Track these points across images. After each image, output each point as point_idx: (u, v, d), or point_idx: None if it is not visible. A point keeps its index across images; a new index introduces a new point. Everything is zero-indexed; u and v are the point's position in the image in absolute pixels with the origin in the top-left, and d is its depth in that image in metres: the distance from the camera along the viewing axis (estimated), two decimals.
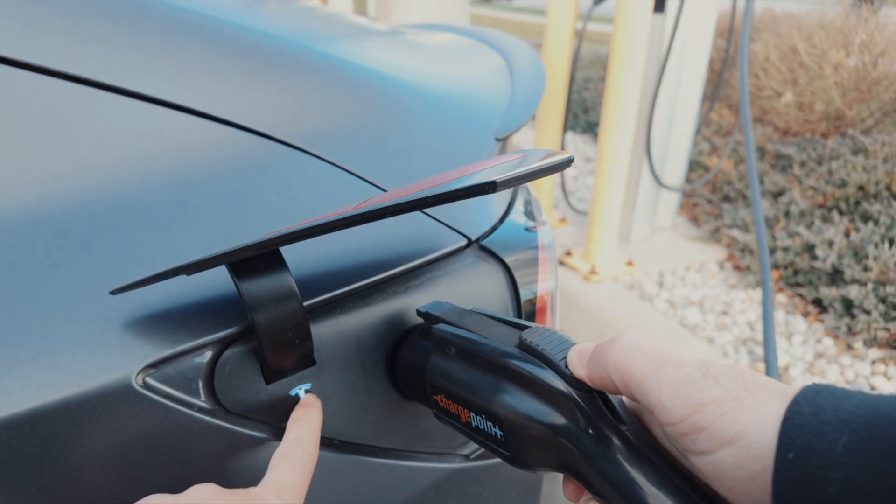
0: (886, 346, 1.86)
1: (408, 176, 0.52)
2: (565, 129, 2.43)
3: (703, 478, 0.27)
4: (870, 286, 1.88)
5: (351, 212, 0.32)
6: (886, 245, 1.94)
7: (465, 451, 0.53)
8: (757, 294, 2.20)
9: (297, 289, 0.38)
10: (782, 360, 1.87)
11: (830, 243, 2.10)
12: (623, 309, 2.09)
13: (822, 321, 2.04)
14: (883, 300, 1.86)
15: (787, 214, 2.39)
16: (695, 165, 2.95)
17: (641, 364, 0.28)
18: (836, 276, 2.05)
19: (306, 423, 0.39)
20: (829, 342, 1.94)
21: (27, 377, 0.34)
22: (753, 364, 1.86)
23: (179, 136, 0.44)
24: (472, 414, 0.38)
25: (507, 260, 0.52)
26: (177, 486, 0.39)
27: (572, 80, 2.35)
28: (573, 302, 2.15)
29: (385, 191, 0.50)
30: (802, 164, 2.56)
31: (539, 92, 0.72)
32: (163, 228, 0.41)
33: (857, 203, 2.26)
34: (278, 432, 0.42)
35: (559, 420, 0.32)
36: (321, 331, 0.43)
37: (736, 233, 2.36)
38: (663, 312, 2.12)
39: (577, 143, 4.04)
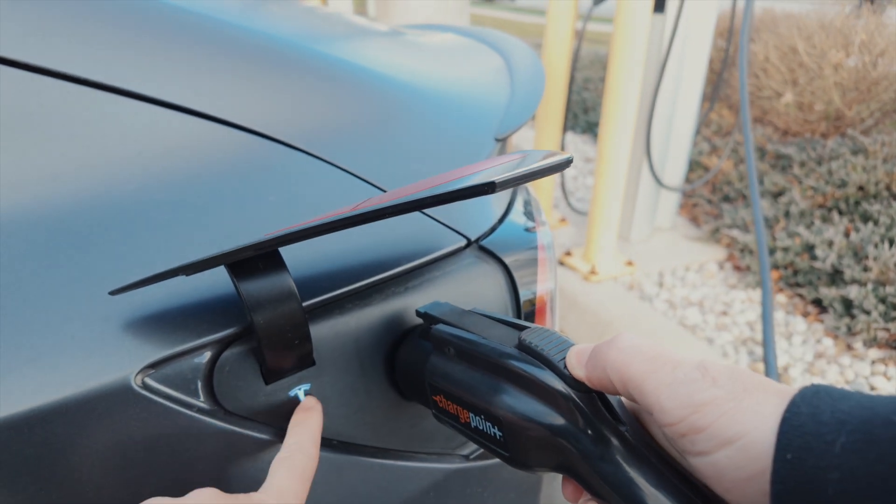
0: (886, 346, 1.86)
1: (407, 176, 0.52)
2: (565, 129, 2.43)
3: (702, 478, 0.27)
4: (870, 286, 1.88)
5: (350, 212, 0.32)
6: (886, 245, 1.94)
7: (465, 452, 0.53)
8: (757, 294, 2.20)
9: (296, 289, 0.38)
10: (782, 361, 1.87)
11: (830, 243, 2.10)
12: (623, 309, 2.09)
13: (821, 321, 2.04)
14: (883, 300, 1.86)
15: (787, 214, 2.39)
16: (695, 165, 2.95)
17: (640, 364, 0.28)
18: (835, 277, 2.05)
19: (306, 427, 0.39)
20: (828, 342, 1.94)
21: (26, 378, 0.34)
22: (753, 364, 1.86)
23: (179, 137, 0.44)
24: (471, 414, 0.38)
25: (507, 260, 0.52)
26: (176, 487, 0.39)
27: (572, 80, 2.35)
28: (573, 302, 2.15)
29: (384, 191, 0.50)
30: (802, 165, 2.56)
31: (539, 92, 0.72)
32: (162, 229, 0.41)
33: (857, 203, 2.26)
34: (277, 433, 0.42)
35: (558, 420, 0.32)
36: (320, 331, 0.43)
37: (736, 233, 2.36)
38: (663, 313, 2.12)
39: (577, 143, 4.04)
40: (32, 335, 0.35)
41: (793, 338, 1.97)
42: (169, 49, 0.47)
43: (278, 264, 0.37)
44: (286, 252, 0.38)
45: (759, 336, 1.97)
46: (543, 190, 2.46)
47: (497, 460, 0.44)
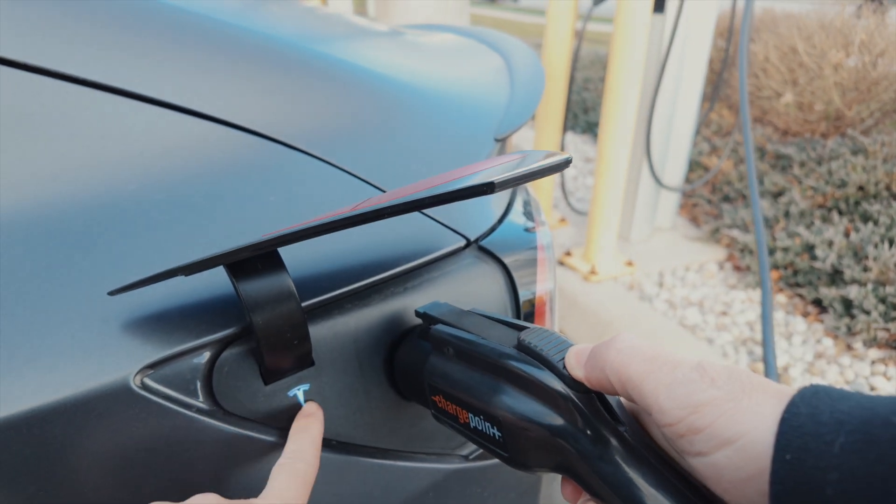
0: (886, 346, 1.86)
1: (407, 176, 0.52)
2: (565, 129, 2.43)
3: (701, 479, 0.27)
4: (869, 286, 1.88)
5: (349, 212, 0.32)
6: (886, 245, 1.94)
7: (464, 452, 0.53)
8: (757, 294, 2.20)
9: (295, 289, 0.38)
10: (782, 361, 1.87)
11: (830, 243, 2.10)
12: (623, 309, 2.09)
13: (821, 321, 2.04)
14: (883, 300, 1.86)
15: (787, 215, 2.39)
16: (694, 166, 2.95)
17: (639, 365, 0.28)
18: (835, 277, 2.05)
19: (307, 434, 0.39)
20: (828, 342, 1.94)
21: (25, 378, 0.34)
22: (753, 364, 1.86)
23: (178, 137, 0.44)
24: (470, 415, 0.38)
25: (506, 260, 0.52)
26: (175, 487, 0.39)
27: (572, 80, 2.35)
28: (573, 302, 2.15)
29: (384, 191, 0.50)
30: (802, 165, 2.56)
31: (538, 92, 0.72)
32: (162, 229, 0.41)
33: (857, 203, 2.26)
34: (277, 433, 0.42)
35: (557, 421, 0.32)
36: (319, 331, 0.43)
37: (736, 233, 2.36)
38: (663, 313, 2.12)
39: (576, 143, 4.04)
40: (31, 335, 0.35)
41: (793, 338, 1.97)
42: (169, 49, 0.47)
43: (277, 265, 0.37)
44: (285, 252, 0.38)
45: (758, 336, 1.97)
46: (543, 190, 2.46)
47: (496, 461, 0.44)
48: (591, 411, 0.32)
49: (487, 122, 0.62)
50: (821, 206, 2.34)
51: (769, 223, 2.38)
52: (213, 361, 0.39)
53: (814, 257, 2.12)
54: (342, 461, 0.46)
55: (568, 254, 2.38)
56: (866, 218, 2.18)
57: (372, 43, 0.70)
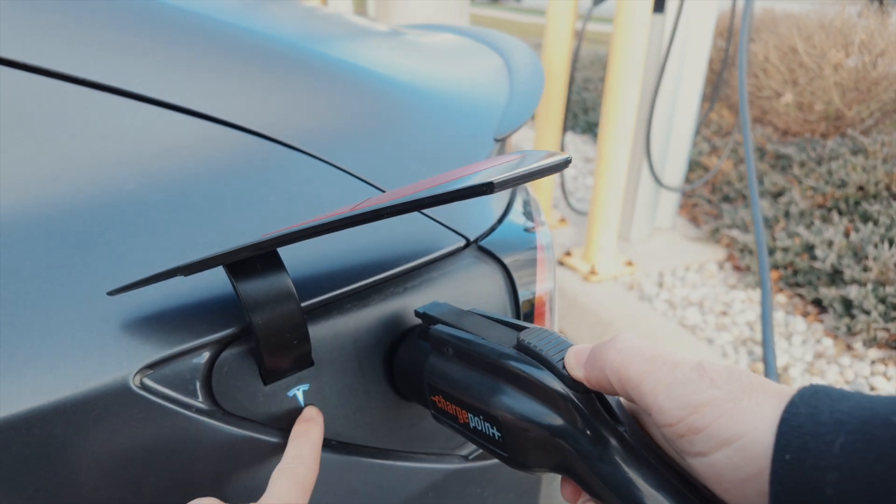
0: (886, 346, 1.86)
1: (406, 176, 0.52)
2: (565, 129, 2.43)
3: (701, 479, 0.27)
4: (869, 286, 1.88)
5: (349, 212, 0.32)
6: (886, 245, 1.94)
7: (464, 452, 0.53)
8: (757, 294, 2.20)
9: (294, 290, 0.38)
10: (782, 361, 1.87)
11: (830, 243, 2.10)
12: (622, 309, 2.09)
13: (821, 321, 2.04)
14: (882, 300, 1.86)
15: (787, 215, 2.39)
16: (694, 166, 2.95)
17: (638, 365, 0.28)
18: (835, 277, 2.05)
19: (307, 439, 0.39)
20: (828, 342, 1.94)
21: (25, 378, 0.34)
22: (753, 364, 1.86)
23: (178, 137, 0.44)
24: (469, 415, 0.38)
25: (506, 261, 0.52)
26: (175, 487, 0.39)
27: (572, 80, 2.35)
28: (573, 302, 2.15)
29: (383, 191, 0.50)
30: (802, 165, 2.56)
31: (538, 92, 0.72)
32: (161, 229, 0.41)
33: (857, 203, 2.26)
34: (276, 433, 0.42)
35: (557, 421, 0.32)
36: (319, 332, 0.43)
37: (735, 233, 2.36)
38: (663, 313, 2.12)
39: (576, 143, 4.04)
40: (31, 335, 0.35)
41: (792, 338, 1.97)
42: (168, 49, 0.46)
43: (277, 265, 0.37)
44: (285, 252, 0.38)
45: (758, 336, 1.97)
46: (543, 190, 2.46)
47: (496, 461, 0.44)
48: (591, 411, 0.32)
49: (487, 122, 0.62)
50: (821, 206, 2.34)
51: (769, 223, 2.38)
52: (212, 361, 0.39)
53: (814, 257, 2.12)
54: (342, 461, 0.46)
55: (568, 254, 2.38)
56: (866, 218, 2.18)
57: (372, 43, 0.70)
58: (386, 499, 0.49)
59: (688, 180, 2.86)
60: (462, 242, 0.50)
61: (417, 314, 0.43)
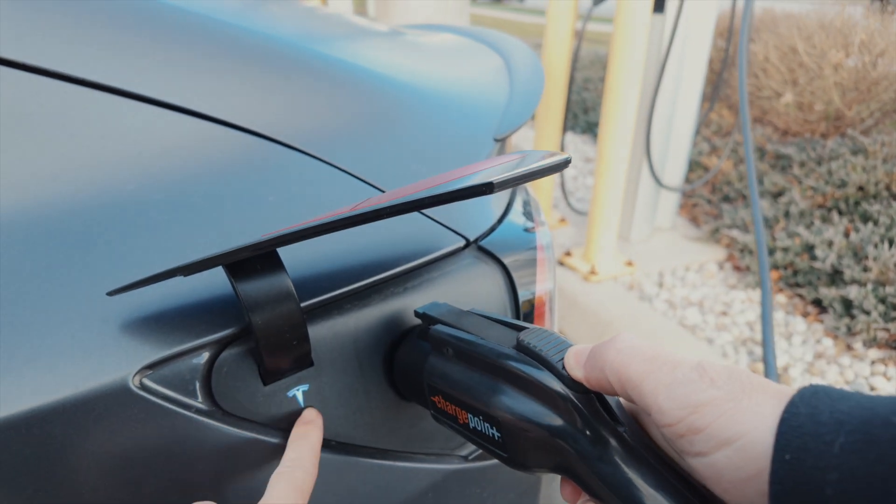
0: (886, 346, 1.86)
1: (406, 177, 0.52)
2: (565, 129, 2.43)
3: (701, 479, 0.27)
4: (869, 286, 1.88)
5: (349, 213, 0.32)
6: (886, 245, 1.94)
7: (464, 452, 0.53)
8: (756, 294, 2.20)
9: (294, 290, 0.38)
10: (782, 361, 1.87)
11: (830, 243, 2.10)
12: (622, 309, 2.09)
13: (821, 321, 2.03)
14: (882, 300, 1.86)
15: (787, 215, 2.39)
16: (694, 166, 2.95)
17: (638, 365, 0.28)
18: (835, 277, 2.05)
19: (306, 441, 0.39)
20: (828, 342, 1.94)
21: (24, 378, 0.34)
22: (753, 364, 1.86)
23: (178, 137, 0.44)
24: (469, 415, 0.38)
25: (506, 261, 0.52)
26: (174, 487, 0.39)
27: (572, 80, 2.35)
28: (573, 302, 2.15)
29: (383, 191, 0.50)
30: (802, 165, 2.56)
31: (538, 92, 0.72)
32: (161, 229, 0.41)
33: (857, 203, 2.26)
34: (276, 433, 0.42)
35: (556, 421, 0.32)
36: (319, 332, 0.43)
37: (735, 233, 2.36)
38: (663, 313, 2.12)
39: (576, 143, 4.03)
40: (31, 335, 0.35)
41: (792, 338, 1.97)
42: (168, 50, 0.46)
43: (276, 265, 0.37)
44: (284, 252, 0.38)
45: (758, 336, 1.97)
46: (543, 190, 2.46)
47: (496, 461, 0.44)
48: (591, 412, 0.32)
49: (487, 122, 0.62)
50: (821, 207, 2.34)
51: (769, 223, 2.38)
52: (212, 362, 0.39)
53: (814, 257, 2.12)
54: (341, 461, 0.46)
55: (568, 254, 2.38)
56: (866, 218, 2.18)
57: (372, 43, 0.70)
58: (386, 499, 0.49)
59: (688, 180, 2.86)
60: (462, 242, 0.50)
61: (417, 314, 0.43)
